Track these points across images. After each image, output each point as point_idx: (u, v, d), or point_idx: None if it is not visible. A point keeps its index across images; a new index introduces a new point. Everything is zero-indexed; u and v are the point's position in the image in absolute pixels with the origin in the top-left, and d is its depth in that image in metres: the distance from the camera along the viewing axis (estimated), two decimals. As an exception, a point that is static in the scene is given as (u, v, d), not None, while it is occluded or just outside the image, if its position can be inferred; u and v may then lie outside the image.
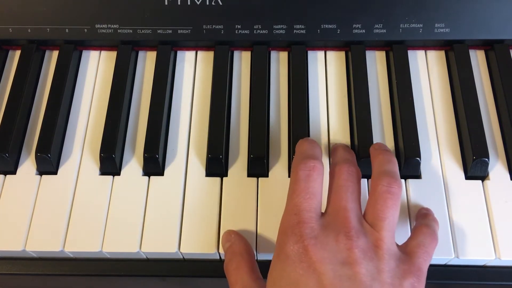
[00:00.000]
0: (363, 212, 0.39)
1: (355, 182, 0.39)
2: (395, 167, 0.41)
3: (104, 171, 0.46)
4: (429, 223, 0.41)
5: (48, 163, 0.46)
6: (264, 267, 0.40)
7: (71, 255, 0.45)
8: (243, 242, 0.41)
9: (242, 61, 0.52)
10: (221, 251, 0.43)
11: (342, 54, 0.53)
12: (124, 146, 0.48)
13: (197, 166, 0.46)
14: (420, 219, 0.42)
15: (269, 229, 0.43)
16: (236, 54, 0.53)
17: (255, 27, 0.50)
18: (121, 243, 0.43)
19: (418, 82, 0.51)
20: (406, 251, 0.38)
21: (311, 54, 0.52)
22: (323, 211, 0.39)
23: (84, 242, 0.43)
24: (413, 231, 0.41)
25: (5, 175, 0.46)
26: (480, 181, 0.45)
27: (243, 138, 0.48)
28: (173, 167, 0.46)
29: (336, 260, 0.35)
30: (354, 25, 0.50)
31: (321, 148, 0.42)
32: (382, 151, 0.42)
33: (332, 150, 0.45)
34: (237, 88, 0.51)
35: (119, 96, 0.48)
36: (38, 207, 0.45)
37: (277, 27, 0.50)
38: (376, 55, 0.53)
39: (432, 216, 0.42)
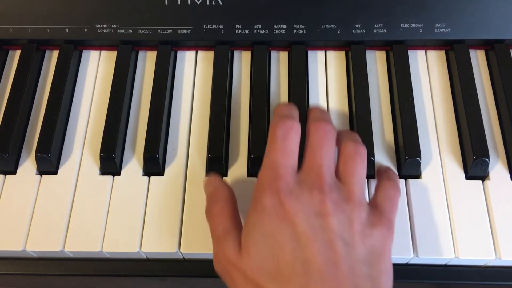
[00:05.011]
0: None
1: (330, 140, 0.41)
2: (360, 139, 0.43)
3: (104, 171, 0.46)
4: (390, 176, 0.43)
5: (48, 163, 0.46)
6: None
7: (71, 255, 0.44)
8: (227, 188, 0.42)
9: (242, 61, 0.52)
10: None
11: (342, 54, 0.53)
12: (124, 146, 0.48)
13: (198, 166, 0.46)
14: (381, 174, 0.44)
15: (269, 229, 0.43)
16: (236, 54, 0.53)
17: (255, 27, 0.50)
18: (121, 243, 0.43)
19: (418, 82, 0.51)
20: (375, 205, 0.40)
21: (311, 54, 0.52)
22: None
23: (84, 242, 0.43)
24: (376, 186, 0.43)
25: (5, 175, 0.46)
26: (480, 181, 0.45)
27: (243, 138, 0.48)
28: (173, 167, 0.46)
29: (310, 212, 0.36)
30: (354, 25, 0.50)
31: (298, 111, 0.43)
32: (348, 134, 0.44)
33: (308, 111, 0.45)
34: (237, 88, 0.51)
35: (119, 96, 0.48)
36: (38, 207, 0.45)
37: (277, 27, 0.50)
38: (376, 55, 0.53)
39: (391, 171, 0.44)
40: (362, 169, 0.40)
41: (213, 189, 0.42)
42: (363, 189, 0.40)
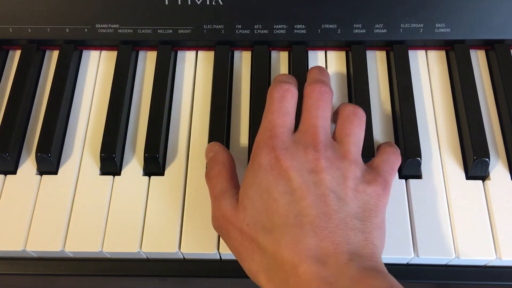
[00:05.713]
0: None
1: (326, 102, 0.41)
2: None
3: (104, 171, 0.46)
4: (392, 144, 0.44)
5: (48, 163, 0.46)
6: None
7: (71, 255, 0.44)
8: (226, 153, 0.43)
9: (242, 61, 0.52)
10: (222, 250, 0.43)
11: (342, 54, 0.53)
12: (124, 146, 0.48)
13: (198, 166, 0.46)
14: (383, 144, 0.45)
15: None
16: (237, 54, 0.53)
17: (255, 27, 0.50)
18: (121, 243, 0.43)
19: (419, 82, 0.50)
20: (372, 166, 0.40)
21: (311, 54, 0.52)
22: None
23: (84, 242, 0.43)
24: (377, 151, 0.43)
25: (5, 175, 0.46)
26: (480, 181, 0.45)
27: (244, 137, 0.48)
28: (174, 167, 0.46)
29: (304, 168, 0.37)
30: (354, 25, 0.50)
31: (296, 80, 0.44)
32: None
33: (308, 72, 0.46)
34: (238, 88, 0.51)
35: (119, 96, 0.48)
36: (38, 207, 0.45)
37: (277, 27, 0.50)
38: (377, 55, 0.52)
39: (393, 143, 0.45)
40: (359, 129, 0.41)
41: (213, 154, 0.43)
42: (360, 149, 0.40)
